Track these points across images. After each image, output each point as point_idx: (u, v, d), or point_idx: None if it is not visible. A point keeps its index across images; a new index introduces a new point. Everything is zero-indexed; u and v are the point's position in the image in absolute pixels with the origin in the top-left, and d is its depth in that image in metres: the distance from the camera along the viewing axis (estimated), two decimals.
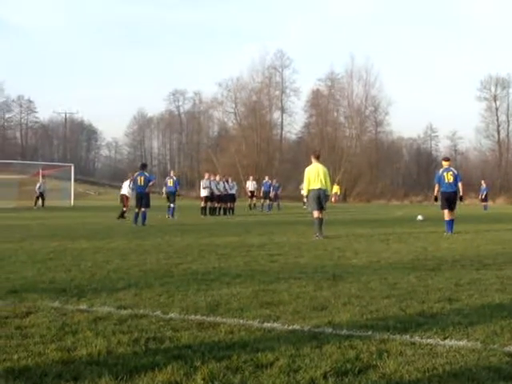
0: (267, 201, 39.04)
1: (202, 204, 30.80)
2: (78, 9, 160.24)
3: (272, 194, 39.16)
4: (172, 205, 28.75)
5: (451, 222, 17.59)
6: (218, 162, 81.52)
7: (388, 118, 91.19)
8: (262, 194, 39.78)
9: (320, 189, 16.25)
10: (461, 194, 18.25)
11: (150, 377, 4.18)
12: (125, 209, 26.98)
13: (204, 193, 30.74)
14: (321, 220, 16.27)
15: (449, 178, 17.73)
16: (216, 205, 31.63)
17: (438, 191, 18.02)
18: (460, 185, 18.01)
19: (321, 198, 16.36)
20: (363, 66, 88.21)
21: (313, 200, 16.39)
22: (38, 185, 44.14)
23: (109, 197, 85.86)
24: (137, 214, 21.68)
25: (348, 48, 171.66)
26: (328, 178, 16.67)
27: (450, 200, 17.83)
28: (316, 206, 16.30)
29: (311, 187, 16.36)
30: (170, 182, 29.85)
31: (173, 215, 28.15)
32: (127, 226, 20.76)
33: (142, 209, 21.55)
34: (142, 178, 21.91)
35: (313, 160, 16.66)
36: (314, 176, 16.28)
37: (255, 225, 21.84)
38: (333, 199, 31.55)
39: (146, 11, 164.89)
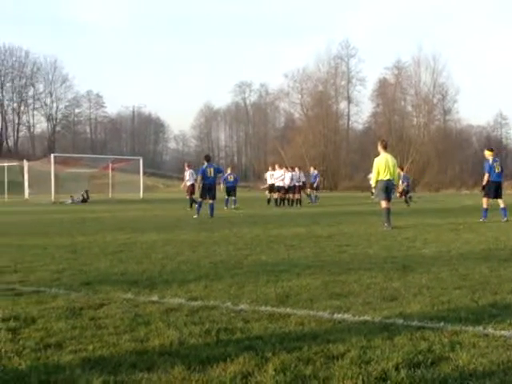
0: (314, 191, 37.20)
1: (275, 196, 31.37)
2: (143, 3, 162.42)
3: (314, 184, 37.29)
4: (233, 197, 29.32)
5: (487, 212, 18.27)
6: (285, 153, 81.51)
7: (456, 106, 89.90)
8: (309, 185, 37.52)
9: (389, 180, 16.21)
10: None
11: (221, 367, 4.22)
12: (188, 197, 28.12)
13: (278, 183, 31.44)
14: (389, 210, 16.10)
15: (497, 168, 18.47)
16: (283, 196, 31.71)
17: (488, 181, 18.41)
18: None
19: (389, 189, 16.42)
20: (430, 53, 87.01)
21: (381, 190, 16.30)
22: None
23: (177, 189, 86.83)
24: (200, 206, 21.84)
25: (415, 36, 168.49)
26: (396, 169, 16.70)
27: (497, 189, 18.60)
28: (385, 195, 16.20)
29: (380, 178, 16.27)
30: (230, 178, 30.08)
31: (235, 207, 28.70)
32: (194, 218, 20.92)
33: (210, 201, 21.63)
34: (212, 170, 21.96)
35: (381, 150, 16.53)
36: (384, 167, 16.16)
37: (323, 215, 21.76)
38: (398, 194, 30.11)
39: (212, 4, 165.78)
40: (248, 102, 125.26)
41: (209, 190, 21.73)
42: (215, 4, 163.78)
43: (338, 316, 5.63)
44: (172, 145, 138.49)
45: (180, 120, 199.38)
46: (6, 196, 50.89)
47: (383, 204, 16.25)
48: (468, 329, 5.12)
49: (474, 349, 4.59)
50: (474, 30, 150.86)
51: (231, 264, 9.23)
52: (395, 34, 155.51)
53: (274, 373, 4.09)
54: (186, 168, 30.63)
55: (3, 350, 4.67)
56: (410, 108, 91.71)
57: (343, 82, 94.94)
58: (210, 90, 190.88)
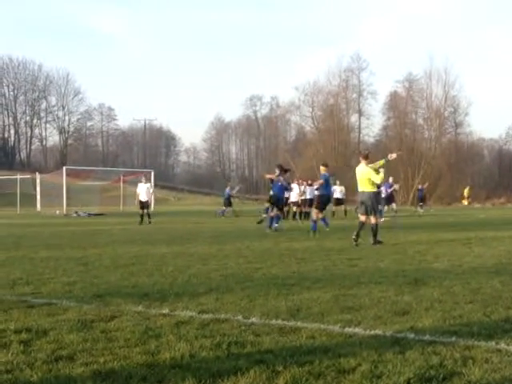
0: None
1: (294, 209, 31.26)
2: (155, 17, 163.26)
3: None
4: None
5: None
6: (296, 166, 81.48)
7: (468, 119, 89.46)
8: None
9: (363, 192, 15.29)
10: None
11: (232, 381, 4.22)
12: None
13: (293, 198, 31.22)
14: (362, 224, 15.08)
15: None
16: (296, 209, 31.58)
17: None
18: None
19: (364, 202, 15.26)
20: (442, 66, 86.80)
21: (358, 203, 15.78)
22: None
23: (188, 202, 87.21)
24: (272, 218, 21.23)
25: (426, 48, 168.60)
26: (371, 177, 15.21)
27: None
28: (359, 209, 15.57)
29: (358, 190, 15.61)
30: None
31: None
32: (208, 230, 20.91)
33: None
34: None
35: (361, 161, 15.73)
36: (357, 178, 15.48)
37: (334, 229, 21.72)
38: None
39: (223, 17, 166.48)
40: (259, 114, 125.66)
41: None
42: (226, 18, 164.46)
43: (348, 330, 5.62)
44: (183, 157, 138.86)
45: (191, 133, 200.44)
46: (18, 208, 51.12)
47: (360, 217, 15.42)
48: (480, 344, 5.10)
49: (486, 364, 4.56)
50: (485, 42, 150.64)
51: (242, 277, 9.22)
52: (406, 47, 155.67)
53: None
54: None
55: (15, 362, 4.69)
56: (421, 121, 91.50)
57: (354, 95, 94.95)
58: (220, 103, 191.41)
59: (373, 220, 15.19)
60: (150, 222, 27.16)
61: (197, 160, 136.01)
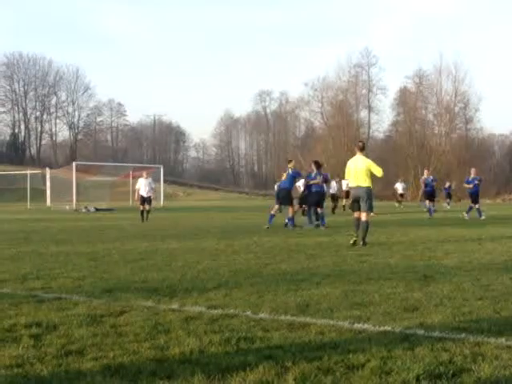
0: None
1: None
2: (164, 13, 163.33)
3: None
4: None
5: None
6: (305, 162, 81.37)
7: (478, 115, 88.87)
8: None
9: (358, 187, 14.06)
10: None
11: (241, 376, 4.22)
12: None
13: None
14: (357, 220, 14.05)
15: None
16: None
17: None
18: None
19: (359, 197, 14.04)
20: (452, 61, 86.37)
21: (351, 200, 14.80)
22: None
23: (197, 197, 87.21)
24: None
25: (436, 44, 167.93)
26: (370, 171, 14.14)
27: None
28: (354, 206, 14.30)
29: (350, 185, 14.79)
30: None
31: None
32: (217, 225, 20.89)
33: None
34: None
35: (357, 152, 14.58)
36: (348, 171, 14.39)
37: (344, 225, 21.68)
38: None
39: (233, 13, 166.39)
40: (268, 110, 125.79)
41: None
42: (236, 13, 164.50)
43: (358, 326, 5.61)
44: (192, 153, 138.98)
45: (200, 128, 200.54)
46: (28, 203, 51.30)
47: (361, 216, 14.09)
48: (490, 340, 5.08)
49: (496, 361, 4.54)
50: (495, 37, 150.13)
51: (251, 272, 9.23)
52: (416, 42, 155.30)
53: (293, 382, 4.09)
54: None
55: (25, 357, 4.70)
56: (431, 117, 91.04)
57: (364, 91, 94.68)
58: (230, 99, 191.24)
59: (364, 217, 13.95)
60: (147, 219, 25.74)
61: (206, 155, 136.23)
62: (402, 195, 42.62)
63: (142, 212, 25.99)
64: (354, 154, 14.71)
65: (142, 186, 26.59)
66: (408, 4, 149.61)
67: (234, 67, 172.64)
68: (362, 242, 13.56)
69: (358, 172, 14.00)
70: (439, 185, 40.26)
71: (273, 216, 20.54)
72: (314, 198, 20.89)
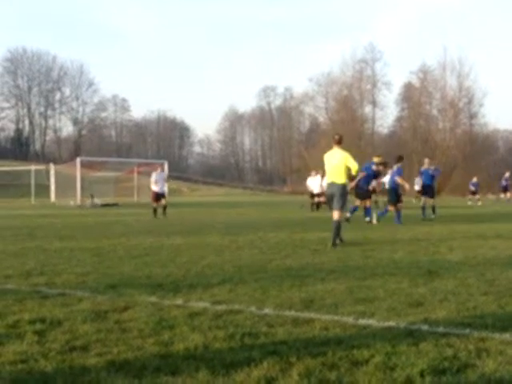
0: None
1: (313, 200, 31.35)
2: (168, 8, 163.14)
3: None
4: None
5: None
6: (310, 157, 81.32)
7: (483, 110, 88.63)
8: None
9: (333, 183, 13.18)
10: None
11: (246, 372, 4.22)
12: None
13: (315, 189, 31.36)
14: (338, 223, 12.79)
15: None
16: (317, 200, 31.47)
17: None
18: None
19: (333, 195, 13.11)
20: (456, 56, 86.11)
21: (327, 198, 13.92)
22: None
23: (202, 193, 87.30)
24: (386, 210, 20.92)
25: (440, 39, 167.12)
26: (346, 167, 13.16)
27: None
28: (330, 205, 13.42)
29: (327, 181, 13.70)
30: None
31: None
32: (222, 221, 20.90)
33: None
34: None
35: (334, 146, 13.50)
36: (328, 167, 13.40)
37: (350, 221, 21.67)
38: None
39: (237, 9, 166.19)
40: (273, 105, 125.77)
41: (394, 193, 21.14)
42: (240, 8, 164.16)
43: (362, 321, 5.61)
44: (197, 149, 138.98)
45: (205, 124, 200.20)
46: (32, 199, 51.40)
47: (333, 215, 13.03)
48: (495, 336, 5.07)
49: (500, 356, 4.54)
50: (500, 32, 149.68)
51: (256, 268, 9.22)
52: (420, 37, 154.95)
53: (298, 378, 4.09)
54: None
55: (30, 352, 4.71)
56: (435, 112, 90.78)
57: (368, 86, 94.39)
58: (234, 94, 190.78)
59: (336, 216, 12.82)
60: (164, 214, 25.06)
61: (210, 151, 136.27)
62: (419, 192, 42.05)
63: (155, 209, 25.07)
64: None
65: (161, 181, 25.58)
66: None
67: (239, 63, 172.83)
68: (332, 243, 12.46)
69: (334, 168, 13.17)
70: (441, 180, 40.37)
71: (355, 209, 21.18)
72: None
